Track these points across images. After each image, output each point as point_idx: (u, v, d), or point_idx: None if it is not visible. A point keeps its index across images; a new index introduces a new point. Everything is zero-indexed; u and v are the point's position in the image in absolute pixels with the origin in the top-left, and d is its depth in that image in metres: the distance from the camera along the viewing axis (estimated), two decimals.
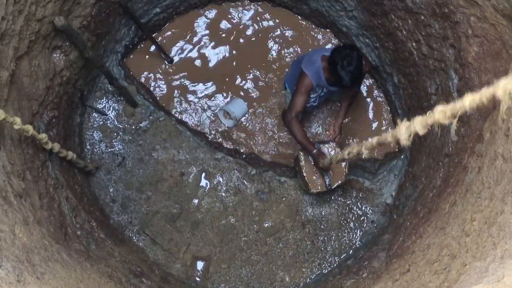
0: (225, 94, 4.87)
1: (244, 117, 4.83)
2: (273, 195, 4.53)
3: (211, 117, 4.85)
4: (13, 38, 2.85)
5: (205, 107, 4.85)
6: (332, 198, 4.55)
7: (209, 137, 4.73)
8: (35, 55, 3.23)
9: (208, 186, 4.54)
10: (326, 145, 4.18)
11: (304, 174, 4.19)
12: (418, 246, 3.46)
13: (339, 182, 4.21)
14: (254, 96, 4.89)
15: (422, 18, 3.77)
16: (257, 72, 4.91)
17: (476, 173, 2.95)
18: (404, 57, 4.28)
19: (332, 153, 4.10)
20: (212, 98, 4.88)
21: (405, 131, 1.96)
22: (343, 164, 4.19)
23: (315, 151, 4.05)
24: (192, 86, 4.85)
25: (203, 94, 4.86)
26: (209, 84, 4.88)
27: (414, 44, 4.14)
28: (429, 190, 3.92)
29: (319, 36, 4.90)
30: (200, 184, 4.54)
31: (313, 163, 4.19)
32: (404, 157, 4.51)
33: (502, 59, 2.89)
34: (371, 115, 4.92)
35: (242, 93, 4.89)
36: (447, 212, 3.22)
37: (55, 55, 3.58)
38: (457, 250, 2.60)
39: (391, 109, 4.84)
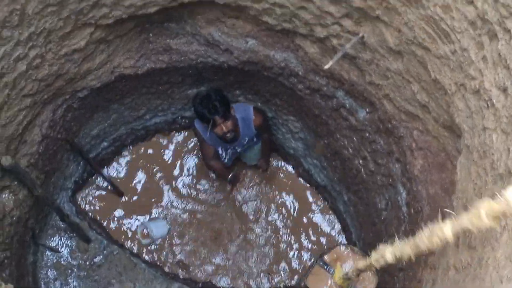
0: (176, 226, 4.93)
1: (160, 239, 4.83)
2: None
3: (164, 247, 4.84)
4: None
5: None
6: None
7: (165, 268, 4.66)
8: None
9: None
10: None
11: None
12: None
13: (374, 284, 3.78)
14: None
15: (367, 135, 3.82)
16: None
17: (430, 286, 2.91)
18: (352, 174, 4.30)
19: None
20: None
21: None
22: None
23: (230, 175, 4.57)
24: (143, 218, 4.89)
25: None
26: (160, 215, 4.92)
27: (361, 161, 4.14)
28: None
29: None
30: None
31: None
32: None
33: (447, 170, 2.92)
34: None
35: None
36: None
37: (4, 196, 3.53)
38: None
39: (343, 227, 4.83)
